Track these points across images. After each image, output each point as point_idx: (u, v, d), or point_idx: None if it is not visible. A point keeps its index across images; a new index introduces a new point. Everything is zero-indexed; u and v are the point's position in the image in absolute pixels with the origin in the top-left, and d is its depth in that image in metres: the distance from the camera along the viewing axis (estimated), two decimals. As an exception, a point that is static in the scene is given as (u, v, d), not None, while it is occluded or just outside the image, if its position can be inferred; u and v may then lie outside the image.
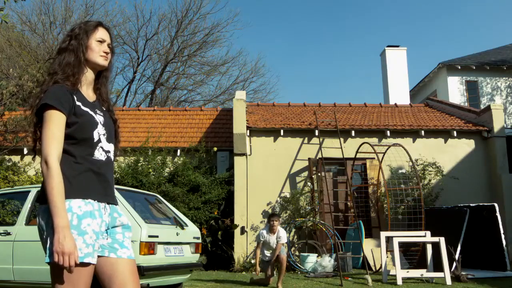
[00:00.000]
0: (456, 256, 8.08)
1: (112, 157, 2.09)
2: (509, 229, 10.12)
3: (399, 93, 15.88)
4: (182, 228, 6.14)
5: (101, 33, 2.11)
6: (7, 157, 11.21)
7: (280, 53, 47.17)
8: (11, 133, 11.22)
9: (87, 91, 2.11)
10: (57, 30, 21.12)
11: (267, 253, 7.24)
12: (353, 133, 11.01)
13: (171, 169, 11.04)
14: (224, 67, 24.59)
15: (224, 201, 10.75)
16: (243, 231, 10.33)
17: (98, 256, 2.00)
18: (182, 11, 23.78)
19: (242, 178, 10.63)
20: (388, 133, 11.04)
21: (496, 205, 8.85)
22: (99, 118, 2.06)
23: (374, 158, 10.65)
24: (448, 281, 7.32)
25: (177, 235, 5.91)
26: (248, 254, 10.20)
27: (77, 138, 1.97)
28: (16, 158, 11.38)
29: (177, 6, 43.94)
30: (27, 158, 11.49)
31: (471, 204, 8.96)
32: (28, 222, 5.84)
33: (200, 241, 6.47)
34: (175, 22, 23.40)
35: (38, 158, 11.38)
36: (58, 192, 1.83)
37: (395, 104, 14.18)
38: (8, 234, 5.71)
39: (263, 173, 10.67)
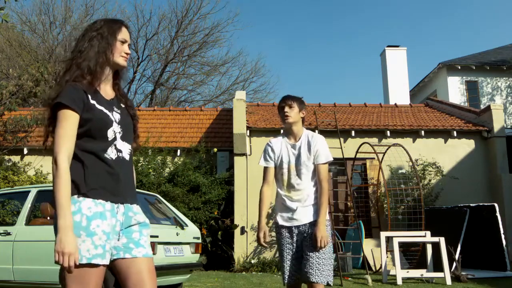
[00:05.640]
0: (456, 256, 8.08)
1: (126, 156, 2.06)
2: (509, 229, 10.12)
3: (399, 93, 15.88)
4: (182, 228, 6.14)
5: (124, 34, 2.10)
6: (7, 157, 11.21)
7: (280, 53, 47.20)
8: (11, 133, 11.22)
9: (105, 88, 2.10)
10: (57, 30, 21.14)
11: (288, 201, 3.19)
12: (353, 133, 11.01)
13: (171, 169, 11.04)
14: (224, 67, 24.62)
15: (224, 201, 10.75)
16: (243, 231, 10.32)
17: (115, 259, 1.98)
18: (182, 11, 23.79)
19: (242, 178, 10.62)
20: (388, 133, 11.03)
21: (496, 205, 8.85)
22: (115, 116, 2.04)
23: (374, 158, 10.65)
24: (448, 281, 7.32)
25: (177, 235, 5.91)
26: (248, 254, 10.20)
27: (91, 136, 1.96)
28: (16, 158, 11.38)
29: (177, 6, 44.02)
30: (27, 158, 11.48)
31: (471, 204, 8.95)
32: (28, 222, 5.84)
33: (200, 241, 6.47)
34: (175, 22, 23.42)
35: (38, 158, 11.41)
36: (63, 192, 1.82)
37: (395, 104, 14.17)
38: (8, 234, 5.71)
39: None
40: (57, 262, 1.79)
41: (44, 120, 1.99)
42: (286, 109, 3.23)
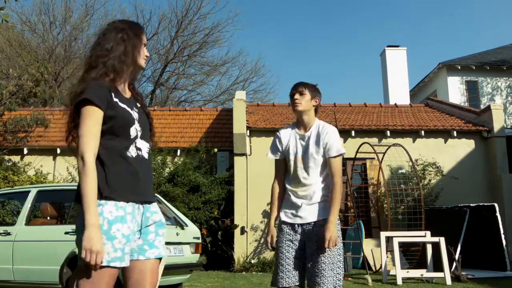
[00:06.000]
0: (456, 256, 8.08)
1: (145, 155, 2.08)
2: (509, 229, 10.12)
3: (399, 93, 15.87)
4: (182, 228, 6.14)
5: (144, 38, 2.16)
6: (7, 157, 11.21)
7: (280, 53, 47.20)
8: (11, 133, 11.22)
9: (124, 88, 2.13)
10: (57, 30, 21.15)
11: (293, 196, 2.92)
12: (353, 133, 11.01)
13: (171, 169, 11.04)
14: (224, 67, 24.62)
15: (224, 201, 10.75)
16: (243, 231, 10.32)
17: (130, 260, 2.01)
18: (182, 11, 23.79)
19: (242, 178, 10.62)
20: (388, 133, 11.04)
21: (496, 205, 8.85)
22: (135, 115, 2.07)
23: (374, 158, 10.64)
24: (448, 281, 7.32)
25: (177, 235, 5.91)
26: (248, 254, 10.20)
27: (114, 134, 1.98)
28: (16, 158, 11.38)
29: (177, 6, 44.08)
30: (27, 158, 11.48)
31: (471, 204, 8.95)
32: (28, 222, 5.84)
33: (200, 241, 6.47)
34: (175, 22, 23.42)
35: (38, 158, 11.41)
36: (91, 190, 1.84)
37: (395, 104, 14.17)
38: (8, 234, 5.71)
39: (263, 173, 10.65)
40: (83, 260, 1.82)
41: (67, 117, 2.00)
42: (296, 96, 2.99)
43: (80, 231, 1.87)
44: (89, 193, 1.83)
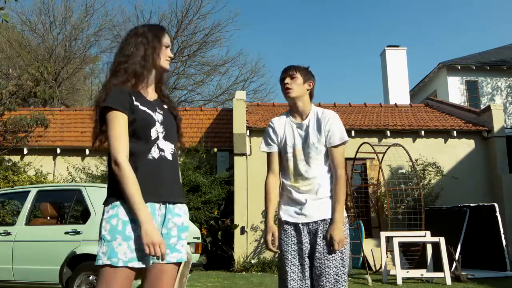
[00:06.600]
0: (456, 256, 8.08)
1: (168, 156, 2.09)
2: (509, 229, 10.11)
3: (399, 93, 15.88)
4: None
5: (167, 39, 2.17)
6: (7, 157, 11.21)
7: (280, 53, 47.20)
8: (11, 133, 11.22)
9: (148, 91, 2.16)
10: (57, 30, 21.15)
11: (294, 192, 2.65)
12: (353, 133, 11.01)
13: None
14: (224, 67, 24.60)
15: (224, 201, 10.75)
16: (243, 231, 10.32)
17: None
18: (182, 11, 23.76)
19: (242, 178, 10.62)
20: (388, 133, 11.04)
21: (496, 205, 8.85)
22: (158, 116, 2.09)
23: (374, 158, 10.64)
24: (448, 281, 7.32)
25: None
26: (248, 254, 10.20)
27: (136, 137, 2.01)
28: (16, 158, 11.37)
29: (177, 6, 44.12)
30: (27, 158, 11.48)
31: (471, 204, 8.95)
32: (28, 222, 5.84)
33: (200, 241, 6.48)
34: (175, 22, 23.38)
35: (38, 158, 11.41)
36: (135, 190, 1.90)
37: (395, 104, 14.16)
38: (8, 234, 5.71)
39: (263, 173, 10.62)
40: (99, 267, 1.88)
41: (93, 123, 2.05)
42: (287, 80, 2.65)
43: (99, 237, 1.94)
44: (135, 194, 1.89)
